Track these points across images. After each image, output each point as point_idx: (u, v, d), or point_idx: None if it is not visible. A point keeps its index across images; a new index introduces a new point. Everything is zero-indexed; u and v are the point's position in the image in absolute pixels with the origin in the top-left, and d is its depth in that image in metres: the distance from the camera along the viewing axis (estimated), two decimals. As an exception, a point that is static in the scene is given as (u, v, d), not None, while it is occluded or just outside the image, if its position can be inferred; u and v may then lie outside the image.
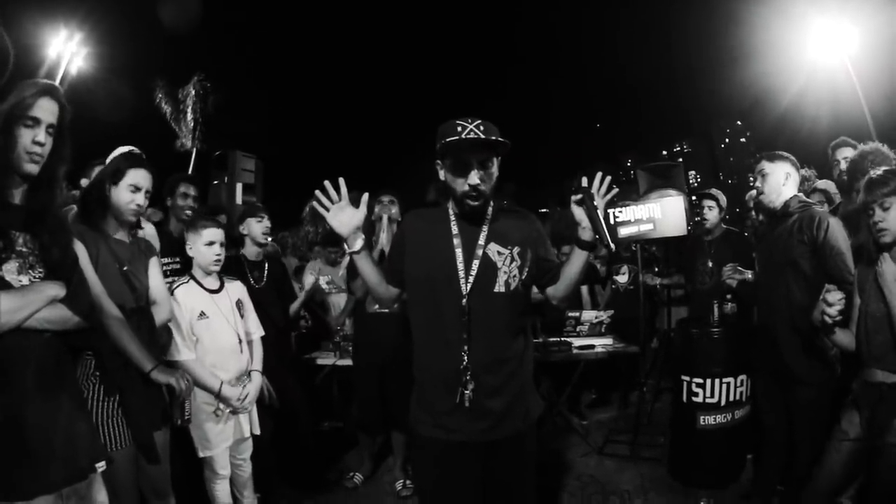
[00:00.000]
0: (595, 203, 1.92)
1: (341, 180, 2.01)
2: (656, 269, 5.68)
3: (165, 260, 3.30)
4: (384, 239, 3.34)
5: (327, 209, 2.01)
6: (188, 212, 3.67)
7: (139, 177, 2.34)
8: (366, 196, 2.05)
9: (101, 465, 1.71)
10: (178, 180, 3.79)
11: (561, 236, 5.21)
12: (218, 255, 2.90)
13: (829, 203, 3.71)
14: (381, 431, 3.91)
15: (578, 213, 1.96)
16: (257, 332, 3.12)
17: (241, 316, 3.01)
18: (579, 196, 1.94)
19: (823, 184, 4.02)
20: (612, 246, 1.93)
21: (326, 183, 2.01)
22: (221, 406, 2.83)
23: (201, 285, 2.90)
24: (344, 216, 2.01)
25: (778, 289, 2.98)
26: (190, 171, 18.75)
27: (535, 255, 2.05)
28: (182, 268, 3.14)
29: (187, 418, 2.35)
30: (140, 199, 2.34)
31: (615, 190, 1.99)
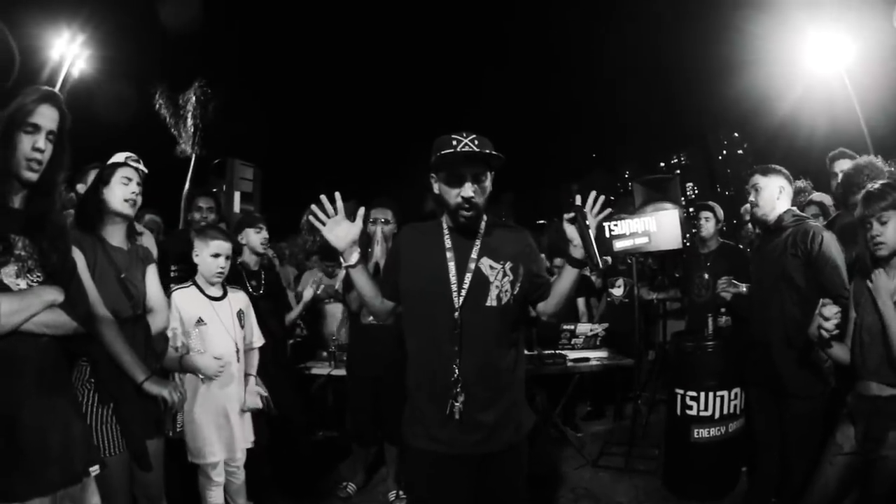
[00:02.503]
0: (587, 222, 1.95)
1: (337, 195, 2.03)
2: (656, 281, 5.69)
3: (181, 266, 3.35)
4: (378, 252, 3.35)
5: (323, 223, 2.03)
6: (202, 224, 3.82)
7: (128, 171, 2.38)
8: (362, 210, 2.07)
9: (94, 469, 1.72)
10: (196, 195, 4.04)
11: (557, 248, 5.22)
12: (222, 268, 2.92)
13: (825, 216, 3.72)
14: (374, 442, 3.90)
15: (570, 230, 1.99)
16: (258, 341, 3.15)
17: (242, 325, 3.03)
18: (572, 214, 1.97)
19: (819, 196, 4.05)
20: (601, 266, 1.95)
21: (322, 197, 2.03)
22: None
23: (203, 291, 2.93)
24: (340, 230, 2.02)
25: (772, 303, 2.99)
26: (189, 178, 18.77)
27: (527, 270, 2.06)
28: (187, 276, 3.15)
29: (179, 429, 2.35)
30: (133, 188, 2.37)
31: (608, 210, 2.02)
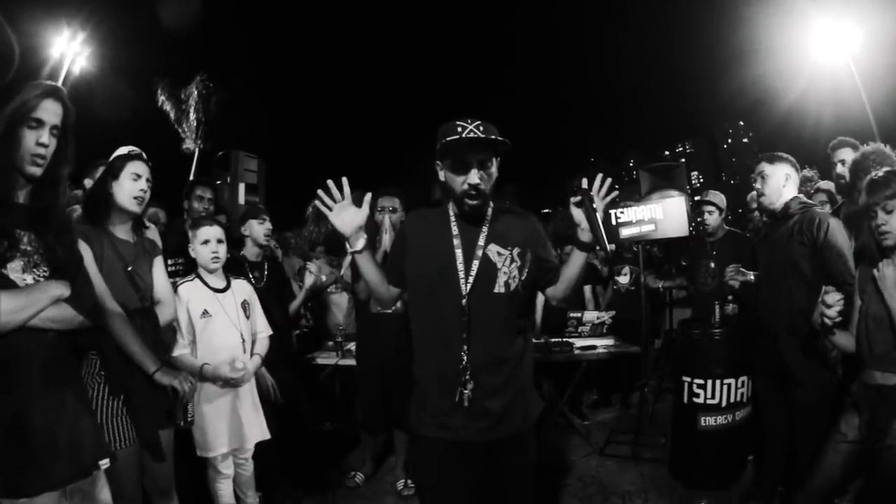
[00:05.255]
0: (594, 205, 1.93)
1: (344, 180, 2.01)
2: (662, 269, 5.66)
3: (179, 259, 3.35)
4: (387, 241, 3.34)
5: (330, 209, 2.02)
6: (202, 213, 3.82)
7: (137, 167, 2.37)
8: (368, 196, 2.07)
9: (104, 463, 1.73)
10: (195, 184, 4.00)
11: (563, 236, 5.21)
12: (214, 251, 2.93)
13: (833, 203, 3.70)
14: (383, 431, 3.91)
15: (578, 214, 1.98)
16: (266, 330, 3.15)
17: (247, 316, 3.04)
18: (579, 198, 1.95)
19: (826, 184, 4.02)
20: (609, 249, 1.94)
21: (329, 182, 2.01)
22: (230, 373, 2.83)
23: (206, 284, 2.94)
24: (346, 216, 2.01)
25: (779, 290, 2.98)
26: (193, 171, 18.81)
27: (534, 255, 2.05)
28: (189, 268, 3.16)
29: (190, 420, 2.36)
30: (142, 185, 2.36)
31: (615, 192, 2.00)
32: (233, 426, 2.89)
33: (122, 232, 2.37)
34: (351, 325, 4.50)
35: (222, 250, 2.97)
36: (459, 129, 1.90)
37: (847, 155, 3.42)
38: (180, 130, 20.86)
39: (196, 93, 20.97)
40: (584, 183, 1.99)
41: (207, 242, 2.93)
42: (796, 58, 13.67)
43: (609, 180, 1.99)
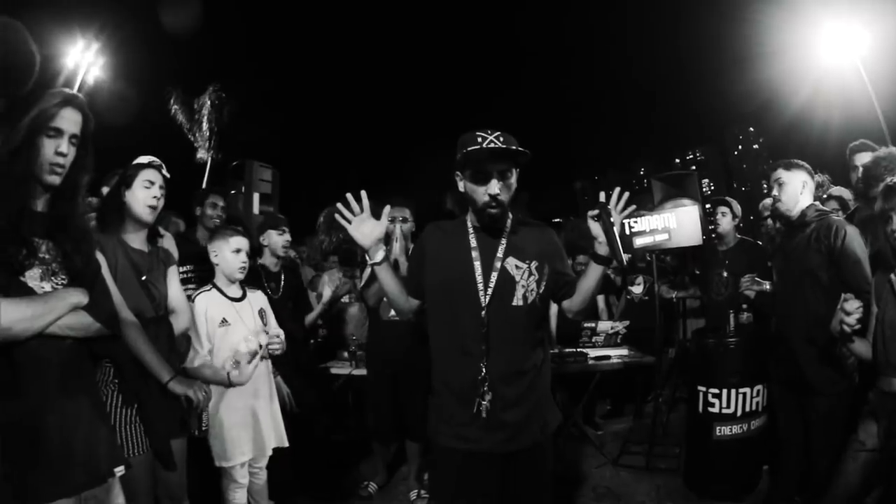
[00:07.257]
0: (612, 219, 1.93)
1: (363, 193, 2.03)
2: (676, 279, 5.62)
3: (190, 267, 3.34)
4: (396, 250, 3.35)
5: (349, 221, 2.03)
6: (216, 220, 3.83)
7: (150, 175, 2.39)
8: (387, 209, 2.08)
9: (119, 470, 1.72)
10: (208, 192, 4.01)
11: (574, 246, 5.19)
12: (244, 262, 2.93)
13: (844, 210, 3.66)
14: (395, 440, 3.90)
15: (595, 227, 1.98)
16: (281, 333, 3.11)
17: (265, 324, 3.03)
18: (596, 211, 1.96)
19: (838, 190, 3.98)
20: (624, 262, 1.94)
21: (348, 195, 2.03)
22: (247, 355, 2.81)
23: (224, 293, 2.93)
24: (366, 228, 2.03)
25: (795, 298, 2.96)
26: (205, 181, 18.91)
27: (552, 269, 2.06)
28: (206, 276, 3.14)
29: (204, 429, 2.36)
30: (155, 192, 2.38)
31: (633, 207, 2.00)
32: (253, 435, 2.88)
33: (137, 241, 2.38)
34: (364, 335, 4.50)
35: (248, 262, 2.98)
36: (480, 140, 1.90)
37: (867, 159, 3.38)
38: (193, 139, 21.00)
39: (209, 102, 21.15)
40: (602, 196, 2.00)
41: (239, 252, 2.92)
42: (805, 61, 13.56)
43: (626, 194, 1.99)
